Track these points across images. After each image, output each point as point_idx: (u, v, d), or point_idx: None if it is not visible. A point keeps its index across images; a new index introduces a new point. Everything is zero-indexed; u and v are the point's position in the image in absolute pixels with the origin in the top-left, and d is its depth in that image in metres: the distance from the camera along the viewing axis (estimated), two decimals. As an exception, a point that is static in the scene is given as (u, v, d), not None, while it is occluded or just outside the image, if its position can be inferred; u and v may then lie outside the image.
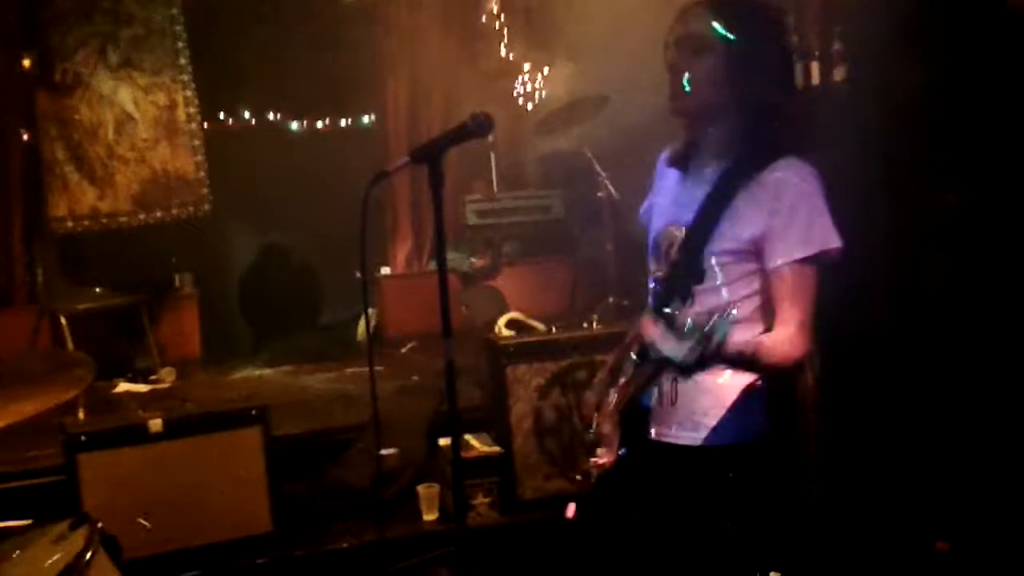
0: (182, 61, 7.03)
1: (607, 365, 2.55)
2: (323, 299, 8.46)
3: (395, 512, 4.44)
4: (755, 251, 2.24)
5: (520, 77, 8.27)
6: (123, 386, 6.10)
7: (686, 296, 2.26)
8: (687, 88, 2.30)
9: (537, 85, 8.24)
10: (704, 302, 2.23)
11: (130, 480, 3.89)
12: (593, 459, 2.43)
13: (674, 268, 2.33)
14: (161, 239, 7.01)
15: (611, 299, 6.21)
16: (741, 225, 2.23)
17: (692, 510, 2.31)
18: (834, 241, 2.20)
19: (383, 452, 4.60)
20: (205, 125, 7.19)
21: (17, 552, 2.36)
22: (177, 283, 7.12)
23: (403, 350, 6.77)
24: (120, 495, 3.85)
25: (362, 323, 7.18)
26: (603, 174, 6.41)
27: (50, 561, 2.28)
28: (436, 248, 2.53)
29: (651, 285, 2.46)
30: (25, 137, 6.93)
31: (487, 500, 4.31)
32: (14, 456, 4.20)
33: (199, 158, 7.03)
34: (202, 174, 7.03)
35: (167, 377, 6.30)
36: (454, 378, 2.56)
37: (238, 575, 4.02)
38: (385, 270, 7.70)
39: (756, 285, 2.26)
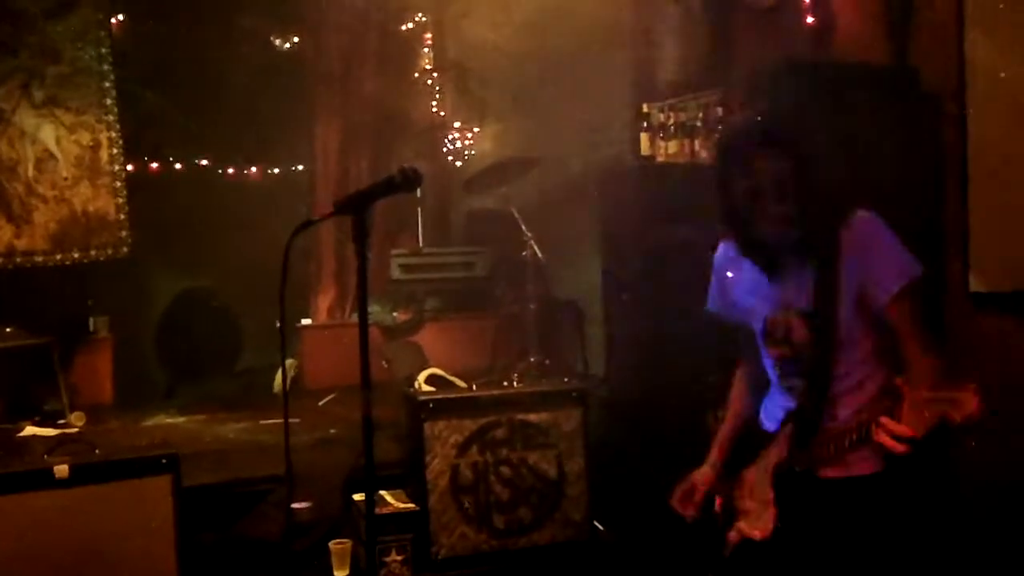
0: (108, 101, 6.97)
1: (717, 443, 2.87)
2: (242, 347, 8.37)
3: (306, 567, 4.37)
4: (863, 300, 2.52)
5: (450, 134, 8.36)
6: (30, 429, 5.94)
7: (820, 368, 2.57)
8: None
9: (467, 143, 8.33)
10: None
11: (33, 526, 3.77)
12: (735, 532, 2.71)
13: (798, 347, 2.62)
14: (77, 280, 6.90)
15: (532, 358, 6.24)
16: (847, 285, 2.51)
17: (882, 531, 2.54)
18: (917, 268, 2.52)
19: (296, 505, 4.54)
20: (129, 167, 7.11)
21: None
22: (92, 326, 6.98)
23: (321, 402, 6.69)
24: (20, 541, 3.73)
25: (279, 373, 7.10)
26: (528, 234, 6.46)
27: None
28: (358, 300, 2.54)
29: (771, 365, 2.74)
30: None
31: (399, 557, 4.28)
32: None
33: (120, 200, 6.94)
34: (123, 216, 6.94)
35: (77, 421, 6.14)
36: (371, 432, 2.56)
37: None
38: (307, 320, 7.65)
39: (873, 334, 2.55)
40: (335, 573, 4.28)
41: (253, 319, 7.95)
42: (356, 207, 2.49)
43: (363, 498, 4.37)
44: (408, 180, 2.50)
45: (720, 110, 5.05)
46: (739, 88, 4.81)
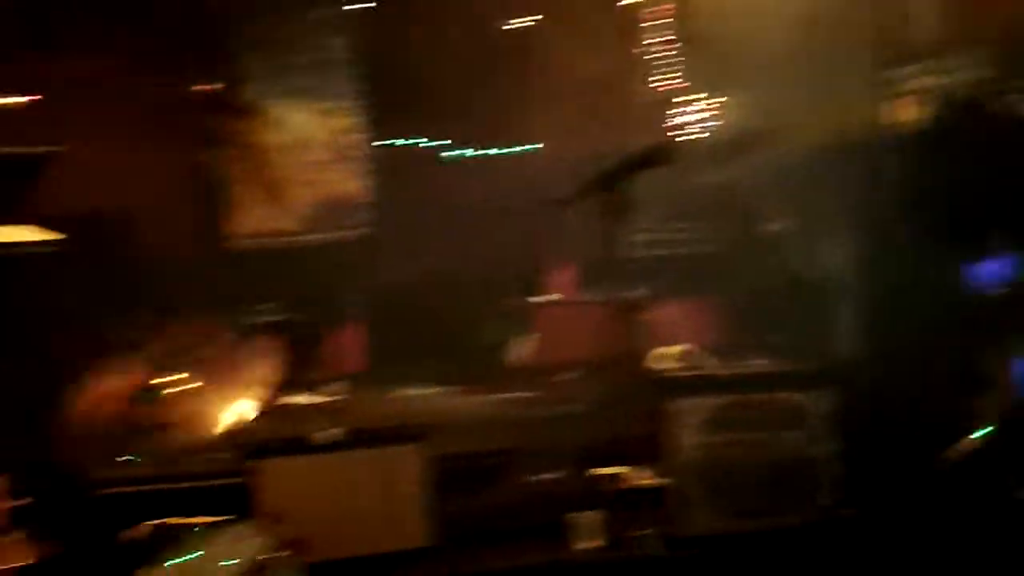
0: (354, 88, 7.28)
1: None
2: (479, 323, 8.56)
3: (551, 538, 4.46)
4: None
5: (682, 106, 8.26)
6: (292, 398, 6.30)
7: None
8: None
9: (701, 115, 8.21)
10: None
11: (299, 487, 4.04)
12: None
13: None
14: (330, 258, 7.26)
15: (771, 336, 6.11)
16: None
17: None
18: None
19: (539, 477, 4.64)
20: (372, 150, 7.42)
21: (203, 548, 2.48)
22: (345, 301, 7.33)
23: (558, 377, 6.79)
24: (290, 500, 3.98)
25: (518, 348, 7.24)
26: (764, 209, 6.33)
27: (234, 559, 2.39)
28: (605, 277, 2.57)
29: None
30: (205, 158, 7.28)
31: (644, 533, 4.29)
32: (195, 457, 4.38)
33: (366, 183, 7.26)
34: (368, 198, 7.26)
35: (334, 392, 6.48)
36: (621, 408, 2.59)
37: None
38: (543, 297, 7.75)
39: None
40: (580, 544, 4.35)
41: (488, 296, 8.13)
42: (609, 183, 2.52)
43: (607, 472, 4.44)
44: (661, 155, 2.51)
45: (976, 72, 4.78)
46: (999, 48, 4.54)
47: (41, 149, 4.26)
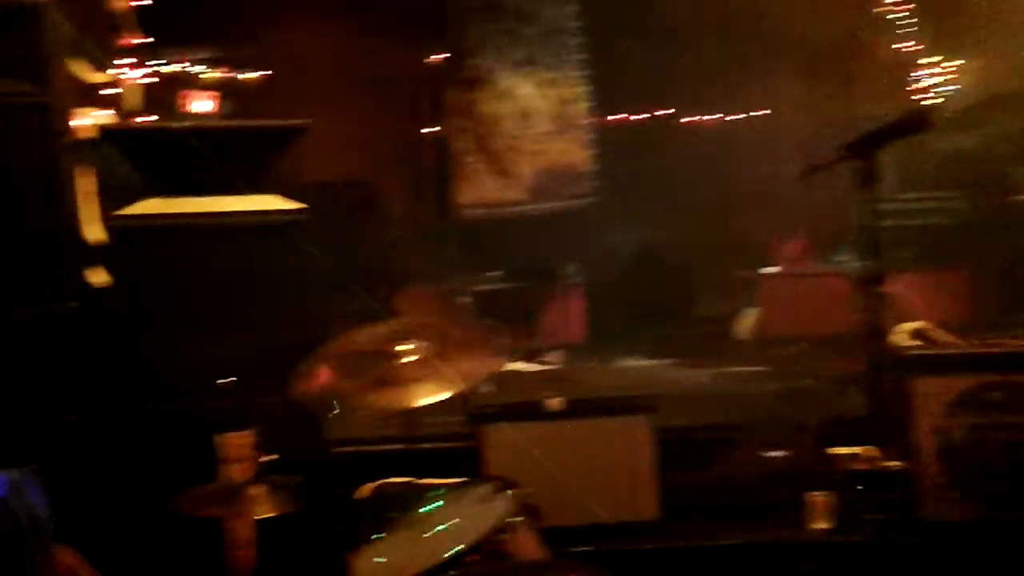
0: (579, 57, 7.29)
1: None
2: (702, 293, 8.44)
3: (781, 516, 4.35)
4: None
5: (921, 69, 7.84)
6: (514, 365, 6.40)
7: None
8: None
9: (942, 79, 7.77)
10: None
11: (527, 453, 4.08)
12: None
13: None
14: (553, 228, 7.32)
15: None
16: None
17: None
18: None
19: (770, 454, 4.54)
20: (598, 120, 7.41)
21: (447, 507, 2.54)
22: (564, 271, 7.38)
23: (788, 351, 6.62)
24: (518, 464, 4.03)
25: (744, 320, 7.10)
26: (1015, 176, 5.94)
27: (479, 519, 2.44)
28: (842, 246, 2.45)
29: None
30: (434, 130, 7.47)
31: (881, 516, 4.11)
32: (425, 421, 4.50)
33: (590, 152, 7.27)
34: (593, 167, 7.26)
35: (555, 360, 6.55)
36: (871, 385, 2.47)
37: (623, 558, 4.11)
38: (770, 268, 7.56)
39: None
40: (812, 524, 4.22)
41: (712, 266, 8.00)
42: (865, 150, 2.40)
43: (843, 451, 4.28)
44: (917, 122, 2.37)
45: None
46: None
47: (287, 123, 4.44)
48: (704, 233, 7.57)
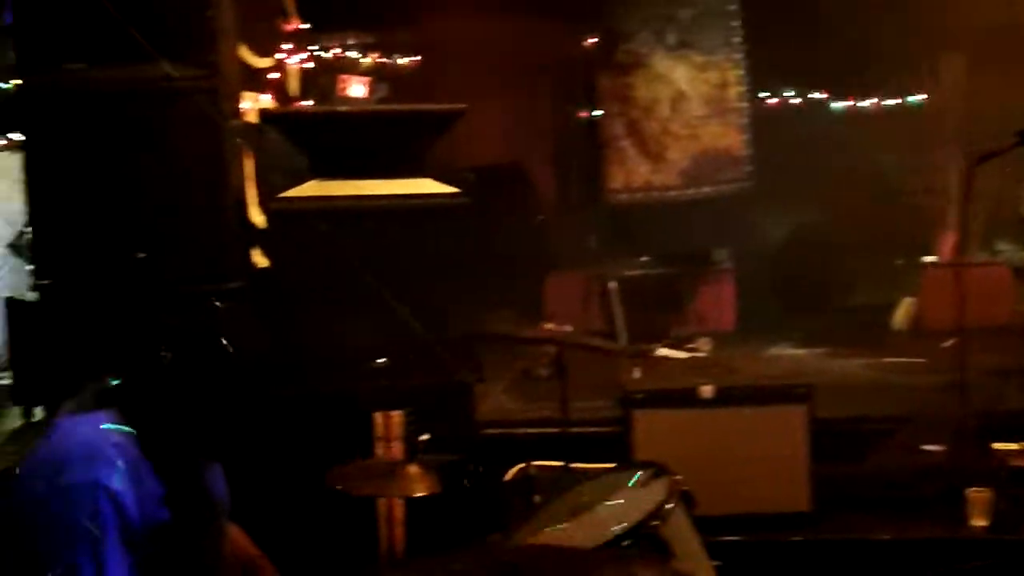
0: (735, 40, 7.17)
1: None
2: (854, 282, 8.22)
3: (936, 512, 4.22)
4: None
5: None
6: (662, 351, 6.36)
7: None
8: None
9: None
10: None
11: (678, 439, 4.05)
12: None
13: None
14: (703, 213, 7.23)
15: None
16: None
17: None
18: None
19: (927, 448, 4.39)
20: (752, 104, 7.28)
21: (605, 491, 2.55)
22: (715, 256, 7.29)
23: (946, 343, 6.38)
24: (669, 451, 4.00)
25: (902, 310, 6.88)
26: None
27: (637, 503, 2.44)
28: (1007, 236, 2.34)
29: None
30: (585, 114, 7.45)
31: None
32: (575, 406, 4.52)
33: (745, 136, 7.15)
34: (747, 151, 7.14)
35: (704, 347, 6.48)
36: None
37: (773, 549, 4.05)
38: (930, 258, 7.30)
39: None
40: (971, 522, 4.08)
41: (866, 254, 7.78)
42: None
43: (1002, 447, 4.12)
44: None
45: None
46: None
47: (443, 107, 4.50)
48: (861, 220, 7.36)
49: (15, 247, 7.58)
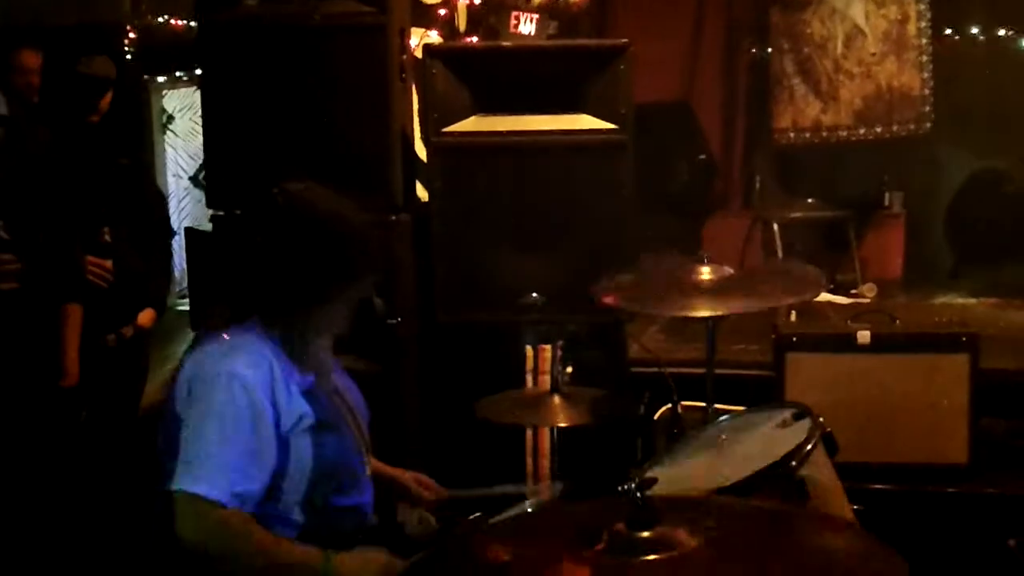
0: (917, -27, 6.86)
1: None
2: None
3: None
4: None
5: None
6: (825, 296, 6.23)
7: None
8: None
9: None
10: None
11: (832, 384, 4.00)
12: None
13: None
14: (874, 155, 7.01)
15: None
16: None
17: None
18: None
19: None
20: (932, 41, 6.97)
21: (744, 430, 2.57)
22: (887, 201, 7.07)
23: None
24: (821, 396, 3.95)
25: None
26: None
27: (776, 443, 2.46)
28: None
29: None
30: (753, 51, 7.29)
31: None
32: (727, 347, 4.51)
33: (925, 75, 6.86)
34: (927, 92, 6.86)
35: (868, 293, 6.34)
36: None
37: (926, 500, 3.98)
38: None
39: None
40: None
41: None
42: None
43: None
44: None
45: None
46: None
47: (607, 42, 4.49)
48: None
49: (196, 180, 8.00)
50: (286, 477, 2.31)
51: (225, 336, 2.34)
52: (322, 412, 2.39)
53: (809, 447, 2.41)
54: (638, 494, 1.73)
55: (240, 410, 2.23)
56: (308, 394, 2.38)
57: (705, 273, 3.30)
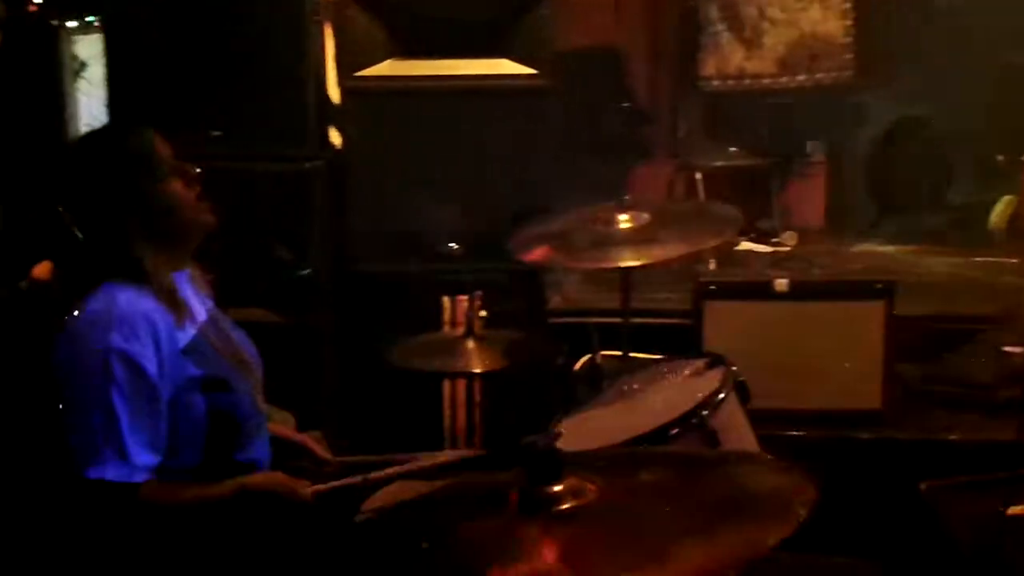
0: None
1: None
2: (953, 179, 7.93)
3: (1013, 415, 4.12)
4: None
5: None
6: (745, 244, 6.26)
7: None
8: None
9: None
10: None
11: (749, 332, 4.02)
12: None
13: None
14: (797, 104, 7.01)
15: None
16: None
17: None
18: None
19: (1008, 349, 4.28)
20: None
21: (656, 379, 2.55)
22: (808, 149, 7.10)
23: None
24: (739, 344, 3.96)
25: (1001, 208, 6.64)
26: None
27: (688, 393, 2.45)
28: None
29: None
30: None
31: None
32: (647, 296, 4.50)
33: (847, 23, 6.85)
34: (848, 39, 6.86)
35: (789, 241, 6.36)
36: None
37: (840, 446, 4.03)
38: (1035, 156, 7.00)
39: None
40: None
41: (971, 150, 7.49)
42: None
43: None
44: None
45: None
46: None
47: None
48: (965, 114, 7.06)
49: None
50: (180, 436, 2.25)
51: (89, 308, 2.25)
52: (209, 367, 2.32)
53: (721, 396, 2.40)
54: (542, 447, 1.70)
55: (122, 385, 2.15)
56: (192, 350, 2.31)
57: (623, 221, 3.27)
